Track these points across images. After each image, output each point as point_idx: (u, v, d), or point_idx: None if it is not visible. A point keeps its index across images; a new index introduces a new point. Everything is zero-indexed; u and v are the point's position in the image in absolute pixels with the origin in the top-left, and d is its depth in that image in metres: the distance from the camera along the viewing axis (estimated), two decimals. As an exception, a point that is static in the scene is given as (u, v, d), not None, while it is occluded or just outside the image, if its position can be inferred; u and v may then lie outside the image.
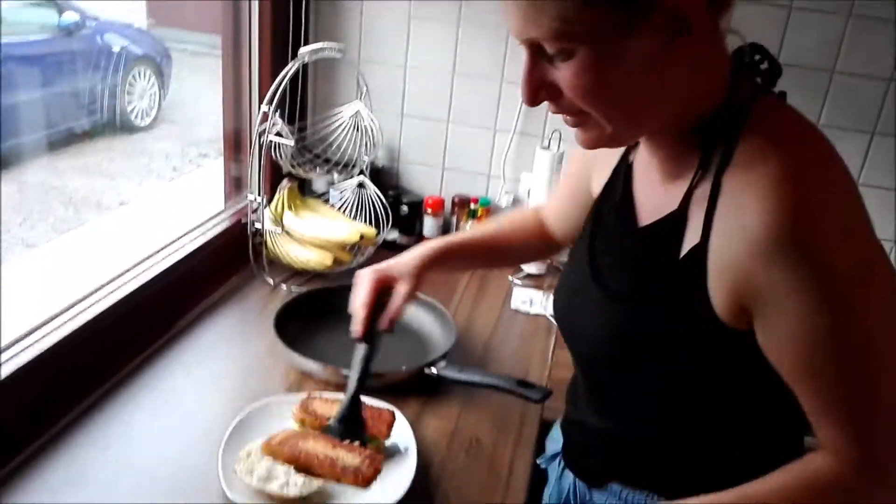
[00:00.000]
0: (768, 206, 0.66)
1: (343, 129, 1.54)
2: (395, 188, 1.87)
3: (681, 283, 0.76)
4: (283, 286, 1.53)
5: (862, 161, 1.65)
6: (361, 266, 1.16)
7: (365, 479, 0.87)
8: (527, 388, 1.10)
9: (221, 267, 1.54)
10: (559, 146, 1.72)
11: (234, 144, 1.70)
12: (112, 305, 1.22)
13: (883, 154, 1.64)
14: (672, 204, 0.78)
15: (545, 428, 1.18)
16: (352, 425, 0.99)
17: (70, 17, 4.49)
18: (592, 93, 0.69)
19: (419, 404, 1.19)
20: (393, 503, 0.93)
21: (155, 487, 0.97)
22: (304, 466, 0.92)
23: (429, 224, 1.84)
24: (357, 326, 1.01)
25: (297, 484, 0.91)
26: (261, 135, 1.44)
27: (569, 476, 1.03)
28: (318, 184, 1.79)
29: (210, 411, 1.14)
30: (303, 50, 1.44)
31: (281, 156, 1.47)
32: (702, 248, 0.74)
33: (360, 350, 1.03)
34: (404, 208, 1.82)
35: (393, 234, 1.80)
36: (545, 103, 0.74)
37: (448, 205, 1.87)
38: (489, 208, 1.85)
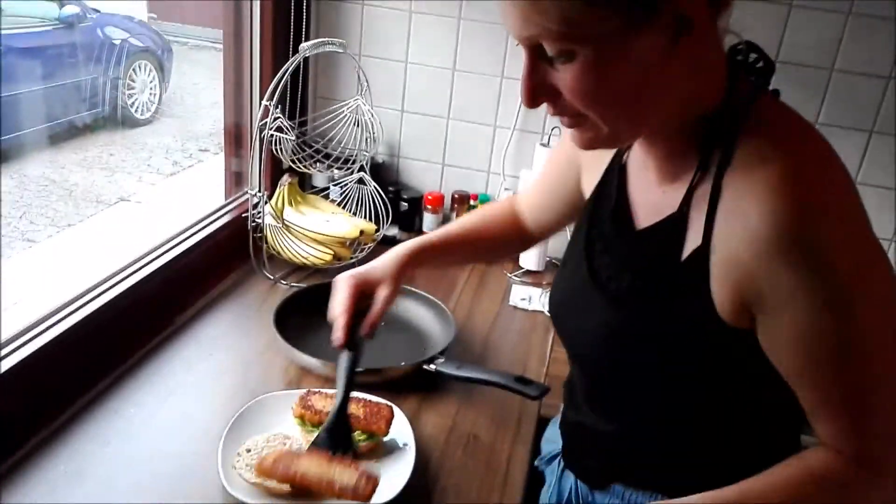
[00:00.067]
0: (771, 207, 0.66)
1: (343, 125, 1.54)
2: (395, 184, 1.88)
3: (682, 284, 0.76)
4: (283, 282, 1.53)
5: (860, 159, 1.66)
6: (359, 263, 1.16)
7: (365, 497, 0.87)
8: (525, 384, 1.10)
9: (221, 262, 1.54)
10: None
11: (235, 139, 1.70)
12: (112, 300, 1.22)
13: (882, 152, 1.64)
14: (671, 205, 0.78)
15: (543, 424, 1.18)
16: (340, 436, 0.97)
17: (71, 9, 4.49)
18: (593, 96, 0.68)
19: (418, 400, 1.19)
20: (391, 499, 0.94)
21: (154, 482, 0.97)
22: (301, 489, 0.91)
23: (428, 220, 1.84)
24: (339, 334, 0.98)
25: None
26: (261, 129, 1.44)
27: (569, 477, 1.03)
28: (318, 179, 1.79)
29: (210, 406, 1.14)
30: (304, 45, 1.44)
31: (281, 151, 1.47)
32: (704, 250, 0.74)
33: (344, 358, 1.00)
34: (404, 204, 1.82)
35: (393, 230, 1.80)
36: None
37: (448, 201, 1.87)
38: (489, 205, 1.85)
